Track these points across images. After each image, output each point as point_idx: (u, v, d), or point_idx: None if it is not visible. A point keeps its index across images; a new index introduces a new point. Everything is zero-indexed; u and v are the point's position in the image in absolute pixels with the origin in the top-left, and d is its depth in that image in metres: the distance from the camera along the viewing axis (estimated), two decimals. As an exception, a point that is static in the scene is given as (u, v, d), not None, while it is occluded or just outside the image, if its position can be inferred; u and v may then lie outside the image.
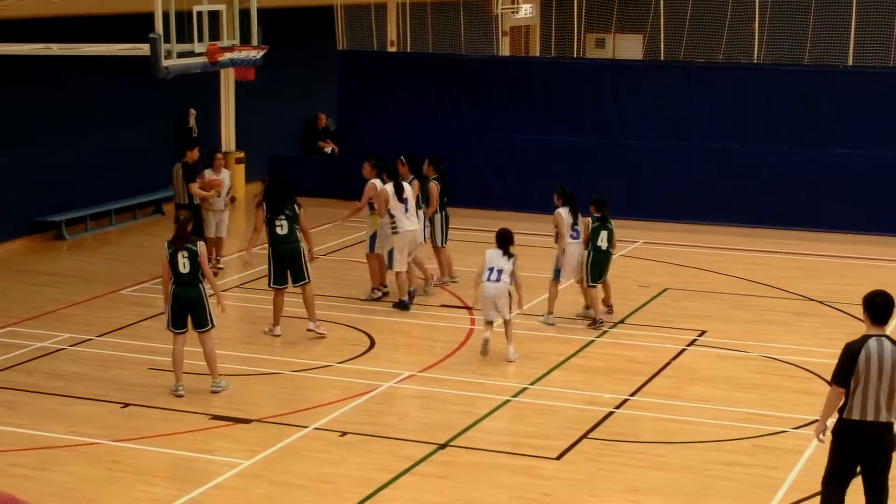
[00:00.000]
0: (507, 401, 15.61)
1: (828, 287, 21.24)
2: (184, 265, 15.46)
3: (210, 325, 15.72)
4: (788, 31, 32.87)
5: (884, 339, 11.03)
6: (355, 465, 13.53)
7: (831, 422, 11.29)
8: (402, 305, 19.34)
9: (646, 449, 14.08)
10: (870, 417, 10.98)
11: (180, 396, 15.62)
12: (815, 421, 14.63)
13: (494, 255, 17.25)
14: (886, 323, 11.14)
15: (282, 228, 17.69)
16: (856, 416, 11.01)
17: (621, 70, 27.89)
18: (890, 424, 11.11)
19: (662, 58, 29.57)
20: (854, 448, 11.14)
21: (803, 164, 25.80)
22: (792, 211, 25.84)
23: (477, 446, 14.12)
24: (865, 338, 11.03)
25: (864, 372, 10.92)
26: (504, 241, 17.34)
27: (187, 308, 15.57)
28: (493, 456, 13.86)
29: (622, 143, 26.94)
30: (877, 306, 11.07)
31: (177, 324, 15.63)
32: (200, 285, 15.58)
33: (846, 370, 10.99)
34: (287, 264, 17.77)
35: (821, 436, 11.39)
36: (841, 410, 11.12)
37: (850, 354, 10.99)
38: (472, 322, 18.83)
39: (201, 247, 15.65)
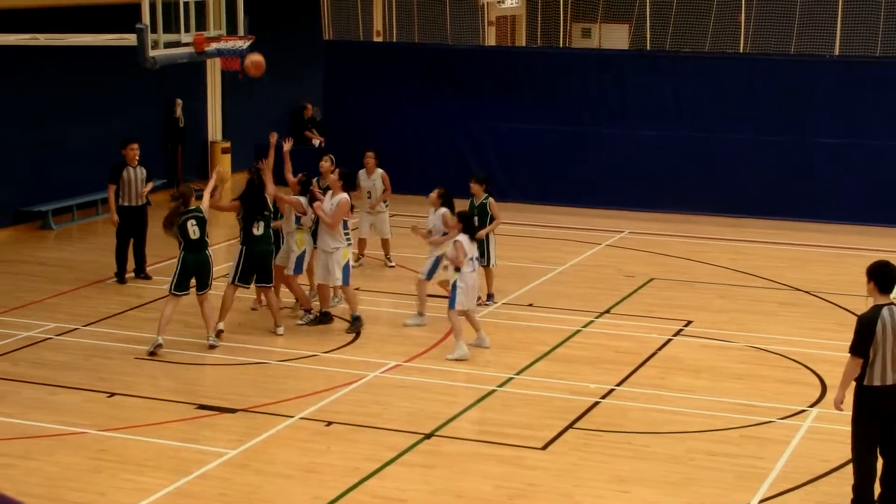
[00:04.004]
0: (493, 391, 15.62)
1: (814, 277, 21.28)
2: (193, 232, 16.93)
3: (209, 288, 17.18)
4: (775, 21, 32.90)
5: (893, 307, 11.62)
6: (341, 455, 13.54)
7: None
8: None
9: (631, 439, 14.10)
10: (889, 382, 11.55)
11: (159, 346, 16.79)
12: (802, 411, 14.78)
13: (467, 242, 16.92)
14: (892, 291, 11.73)
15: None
16: (876, 382, 11.56)
17: (607, 60, 27.88)
18: None
19: (648, 47, 29.62)
20: (876, 411, 11.64)
21: (789, 153, 25.83)
22: (778, 200, 25.86)
23: (462, 436, 14.13)
24: (877, 308, 11.60)
25: (881, 340, 11.49)
26: (472, 224, 17.34)
27: (195, 271, 17.02)
28: (479, 446, 13.87)
29: (608, 133, 26.95)
30: (883, 276, 11.67)
31: (180, 287, 17.01)
32: (207, 251, 17.12)
33: (865, 341, 11.55)
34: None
35: (840, 405, 11.86)
36: (860, 379, 11.64)
37: (867, 325, 11.56)
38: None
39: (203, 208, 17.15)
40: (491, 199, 19.10)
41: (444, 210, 18.32)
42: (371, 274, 21.06)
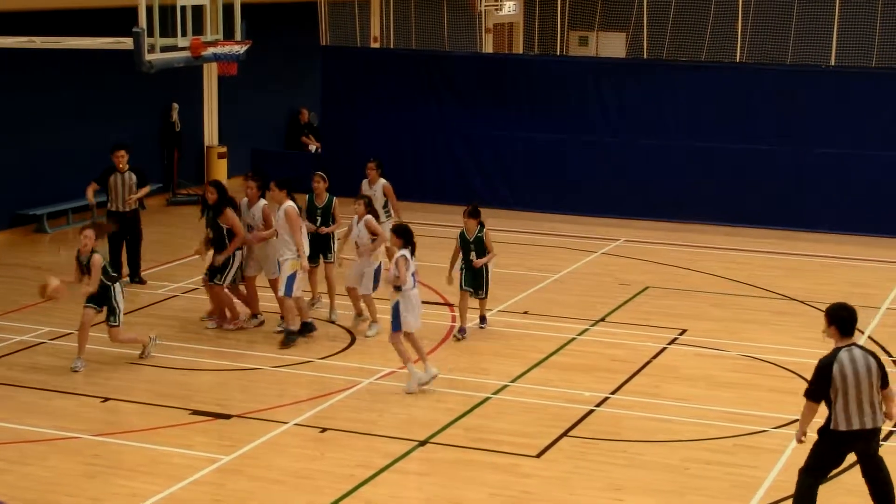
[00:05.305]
0: (488, 398, 15.61)
1: (807, 286, 21.29)
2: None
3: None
4: (771, 31, 32.94)
5: (853, 347, 11.24)
6: (335, 462, 13.53)
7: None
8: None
9: (626, 447, 14.10)
10: (856, 426, 11.13)
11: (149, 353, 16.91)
12: (796, 420, 14.74)
13: (411, 258, 15.81)
14: (853, 334, 11.34)
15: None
16: (842, 427, 11.16)
17: (604, 68, 27.90)
18: (877, 430, 11.27)
19: (645, 56, 29.62)
20: (840, 455, 11.36)
21: (785, 163, 25.87)
22: (773, 210, 25.91)
23: (457, 443, 14.12)
24: (836, 351, 11.23)
25: (840, 384, 11.08)
26: (412, 238, 15.94)
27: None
28: (473, 453, 13.86)
29: (605, 141, 26.97)
30: (843, 320, 11.30)
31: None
32: None
33: (819, 386, 11.19)
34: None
35: (802, 437, 11.53)
36: (827, 420, 11.26)
37: (823, 370, 11.18)
38: (453, 319, 18.80)
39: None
40: (486, 232, 18.07)
41: (368, 217, 17.97)
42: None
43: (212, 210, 18.00)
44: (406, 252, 15.68)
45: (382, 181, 20.65)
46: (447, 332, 18.25)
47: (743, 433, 14.51)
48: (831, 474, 11.88)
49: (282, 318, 18.07)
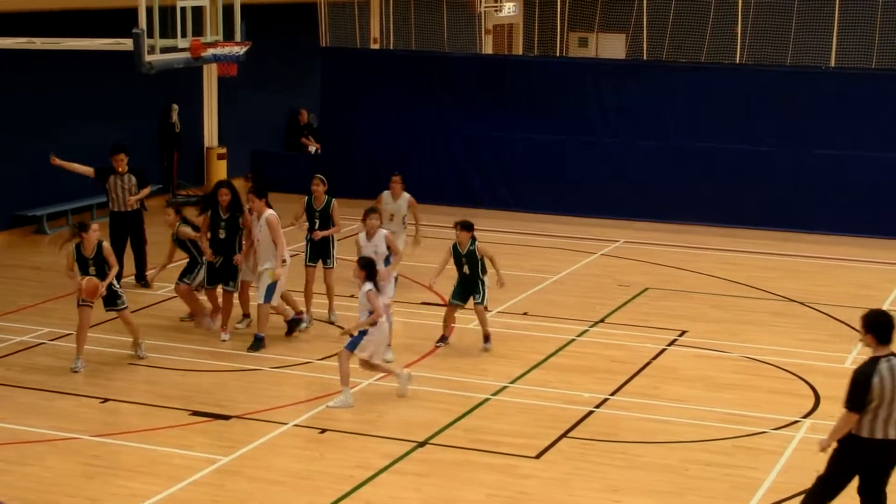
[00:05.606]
0: (487, 399, 15.62)
1: (807, 287, 21.30)
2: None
3: None
4: (770, 33, 32.91)
5: (892, 358, 10.95)
6: (335, 462, 13.54)
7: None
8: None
9: (625, 448, 14.11)
10: (879, 435, 10.94)
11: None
12: (795, 422, 14.78)
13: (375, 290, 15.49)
14: (891, 342, 11.02)
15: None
16: (865, 433, 10.95)
17: (604, 69, 27.91)
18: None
19: (645, 57, 29.60)
20: (858, 462, 11.14)
21: (784, 164, 25.87)
22: (772, 211, 25.90)
23: (456, 444, 14.12)
24: (874, 360, 10.90)
25: (878, 394, 10.82)
26: (375, 270, 15.63)
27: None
28: (472, 454, 13.87)
29: (604, 143, 26.97)
30: (882, 326, 10.92)
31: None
32: None
33: (860, 396, 10.86)
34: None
35: (827, 447, 11.26)
36: None
37: (863, 380, 10.85)
38: (453, 320, 18.79)
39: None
40: (478, 244, 17.54)
41: (388, 234, 17.54)
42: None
43: (228, 210, 17.87)
44: (371, 285, 15.26)
45: (407, 195, 20.19)
46: (447, 333, 18.23)
47: (742, 434, 14.51)
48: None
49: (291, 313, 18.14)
